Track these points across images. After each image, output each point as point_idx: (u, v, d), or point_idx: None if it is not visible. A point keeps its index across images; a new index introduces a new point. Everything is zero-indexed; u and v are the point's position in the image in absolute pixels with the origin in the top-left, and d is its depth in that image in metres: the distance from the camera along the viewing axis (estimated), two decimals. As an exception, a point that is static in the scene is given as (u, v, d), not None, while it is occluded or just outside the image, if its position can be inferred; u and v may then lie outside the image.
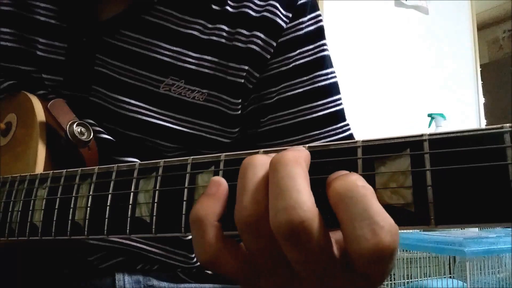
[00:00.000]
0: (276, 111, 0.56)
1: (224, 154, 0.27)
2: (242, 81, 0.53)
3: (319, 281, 0.24)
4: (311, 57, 0.57)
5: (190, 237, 0.55)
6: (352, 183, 0.22)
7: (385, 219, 0.21)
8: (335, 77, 0.59)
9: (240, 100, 0.54)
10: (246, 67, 0.53)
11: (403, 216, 0.22)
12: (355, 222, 0.21)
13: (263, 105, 0.56)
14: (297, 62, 0.56)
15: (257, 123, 0.57)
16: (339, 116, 0.58)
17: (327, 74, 0.57)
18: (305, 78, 0.56)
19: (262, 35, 0.54)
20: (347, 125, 0.59)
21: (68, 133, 0.46)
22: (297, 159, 0.23)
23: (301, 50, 0.56)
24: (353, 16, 2.25)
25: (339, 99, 0.58)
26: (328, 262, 0.23)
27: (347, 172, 0.23)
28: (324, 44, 0.58)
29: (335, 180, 0.23)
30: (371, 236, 0.21)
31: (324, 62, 0.58)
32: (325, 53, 0.58)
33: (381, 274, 0.23)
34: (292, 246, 0.22)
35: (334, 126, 0.57)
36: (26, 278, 0.51)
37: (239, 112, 0.55)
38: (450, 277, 1.65)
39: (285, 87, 0.55)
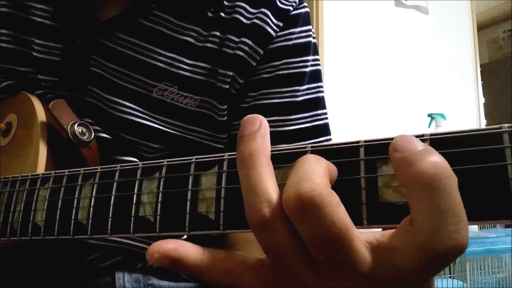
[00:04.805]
0: None
1: (228, 154, 0.27)
2: (227, 87, 0.53)
3: (337, 272, 0.22)
4: (295, 70, 0.56)
5: (185, 237, 0.55)
6: (446, 171, 0.20)
7: (466, 217, 0.20)
8: (319, 92, 0.57)
9: (226, 106, 0.54)
10: (231, 73, 0.53)
11: (404, 214, 0.22)
12: (441, 216, 0.20)
13: (239, 108, 0.55)
14: (280, 72, 0.55)
15: (230, 126, 0.56)
16: (312, 132, 0.56)
17: (308, 89, 0.56)
18: (284, 89, 0.55)
19: (250, 42, 0.54)
20: (322, 142, 0.57)
21: (69, 134, 0.46)
22: (319, 158, 0.23)
23: (286, 60, 0.56)
24: (353, 16, 2.25)
25: (318, 114, 0.57)
26: (347, 246, 0.21)
27: (426, 147, 0.21)
28: (309, 61, 0.57)
29: (423, 162, 0.20)
30: (455, 236, 0.20)
31: (307, 77, 0.57)
32: (312, 68, 0.57)
33: (434, 275, 0.22)
34: (301, 221, 0.21)
35: (304, 142, 0.55)
36: (26, 277, 0.51)
37: (226, 118, 0.55)
38: (450, 277, 1.65)
39: (263, 94, 0.55)
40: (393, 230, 0.22)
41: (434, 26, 2.52)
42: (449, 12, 2.61)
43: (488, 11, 3.62)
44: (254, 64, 0.54)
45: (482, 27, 3.62)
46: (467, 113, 2.58)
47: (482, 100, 2.66)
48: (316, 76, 0.58)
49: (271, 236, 0.23)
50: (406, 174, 0.21)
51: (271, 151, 0.25)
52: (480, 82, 2.68)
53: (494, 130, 0.21)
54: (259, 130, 0.24)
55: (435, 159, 0.20)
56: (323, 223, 0.21)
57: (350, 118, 2.09)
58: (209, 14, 0.54)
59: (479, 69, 2.69)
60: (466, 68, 2.64)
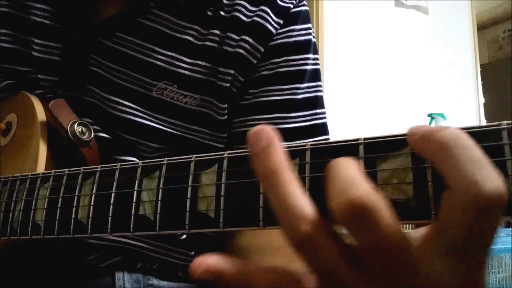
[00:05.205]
0: (250, 114, 0.55)
1: (227, 152, 0.27)
2: (228, 85, 0.53)
3: (395, 275, 0.21)
4: (295, 67, 0.56)
5: (184, 236, 0.55)
6: (464, 134, 0.21)
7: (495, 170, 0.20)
8: (318, 91, 0.57)
9: (226, 105, 0.54)
10: (232, 71, 0.53)
11: (404, 211, 0.22)
12: (473, 165, 0.20)
13: (239, 106, 0.55)
14: (280, 69, 0.55)
15: (231, 124, 0.56)
16: (311, 131, 0.56)
17: (308, 87, 0.56)
18: (284, 86, 0.55)
19: (250, 40, 0.54)
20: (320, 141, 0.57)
21: (69, 133, 0.46)
22: (348, 160, 0.23)
23: (287, 57, 0.55)
24: (353, 16, 2.25)
25: (317, 113, 0.57)
26: (404, 246, 0.21)
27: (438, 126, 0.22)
28: (310, 59, 0.57)
29: (440, 131, 0.21)
30: (492, 179, 0.20)
31: (308, 75, 0.57)
32: (312, 67, 0.57)
33: (486, 239, 0.21)
34: (357, 228, 0.21)
35: (303, 141, 0.55)
36: (26, 277, 0.51)
37: (226, 117, 0.55)
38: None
39: (263, 91, 0.55)
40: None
41: (434, 26, 2.52)
42: (449, 12, 2.61)
43: (488, 11, 3.62)
44: (255, 61, 0.54)
45: (482, 27, 3.62)
46: (467, 113, 2.58)
47: (482, 100, 2.66)
48: (316, 75, 0.58)
49: (317, 253, 0.22)
50: (429, 148, 0.21)
51: None
52: (480, 82, 2.67)
53: (493, 127, 0.22)
54: (273, 144, 0.24)
55: (451, 128, 0.21)
56: (379, 227, 0.20)
57: (350, 118, 2.09)
58: (209, 13, 0.54)
59: (479, 69, 2.68)
60: (466, 68, 2.64)
